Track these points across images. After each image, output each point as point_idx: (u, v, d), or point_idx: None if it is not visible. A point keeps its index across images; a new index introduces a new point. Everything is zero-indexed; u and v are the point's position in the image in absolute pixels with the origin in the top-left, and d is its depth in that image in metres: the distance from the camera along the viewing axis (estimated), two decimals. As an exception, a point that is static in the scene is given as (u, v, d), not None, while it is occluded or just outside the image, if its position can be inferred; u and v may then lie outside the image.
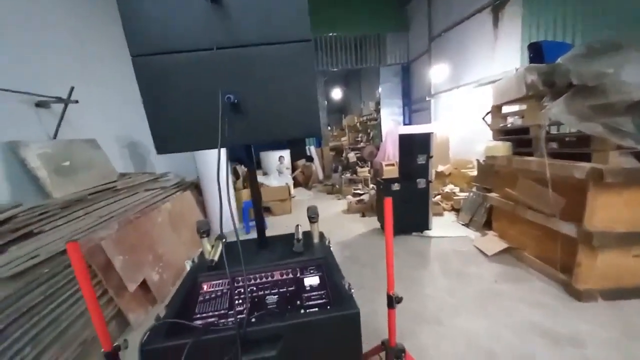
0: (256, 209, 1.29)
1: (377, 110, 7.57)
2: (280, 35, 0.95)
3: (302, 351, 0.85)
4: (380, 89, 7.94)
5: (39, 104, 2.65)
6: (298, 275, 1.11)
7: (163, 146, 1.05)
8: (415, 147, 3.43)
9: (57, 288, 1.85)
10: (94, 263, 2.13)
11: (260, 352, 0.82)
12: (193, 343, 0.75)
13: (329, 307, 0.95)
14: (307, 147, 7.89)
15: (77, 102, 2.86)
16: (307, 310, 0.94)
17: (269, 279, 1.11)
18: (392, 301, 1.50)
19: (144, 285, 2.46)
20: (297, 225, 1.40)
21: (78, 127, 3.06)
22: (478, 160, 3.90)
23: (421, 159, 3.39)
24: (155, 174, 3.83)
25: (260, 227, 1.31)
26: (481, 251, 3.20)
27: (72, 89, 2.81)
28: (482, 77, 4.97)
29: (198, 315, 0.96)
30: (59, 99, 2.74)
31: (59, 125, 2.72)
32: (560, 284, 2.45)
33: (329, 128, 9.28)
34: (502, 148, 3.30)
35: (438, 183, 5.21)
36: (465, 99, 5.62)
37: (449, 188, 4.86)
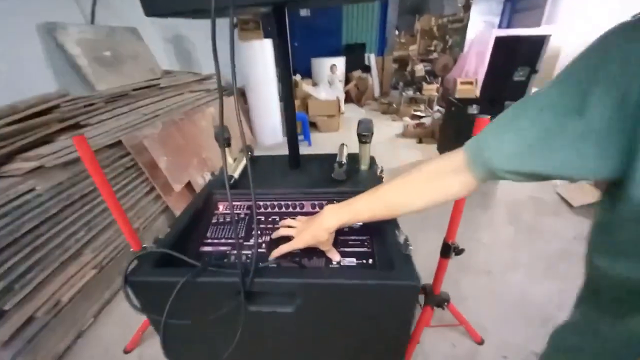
0: (288, 113, 0.95)
1: (467, 8, 5.82)
2: None
3: (329, 314, 0.62)
4: (474, -22, 5.94)
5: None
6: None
7: (151, 5, 0.70)
8: (515, 56, 2.53)
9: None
10: (140, 161, 2.15)
11: (273, 306, 0.61)
12: (185, 284, 0.55)
13: (370, 260, 0.68)
14: (366, 55, 6.78)
15: (109, -23, 2.50)
16: (342, 262, 0.68)
17: (297, 209, 0.85)
18: (449, 250, 1.20)
19: (189, 185, 2.53)
20: (342, 145, 1.05)
21: (116, 11, 2.78)
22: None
23: (520, 74, 2.52)
24: (201, 74, 3.60)
25: (293, 141, 0.99)
26: (565, 200, 2.60)
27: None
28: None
29: (209, 240, 0.77)
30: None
31: (94, 4, 2.46)
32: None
33: (397, 32, 7.68)
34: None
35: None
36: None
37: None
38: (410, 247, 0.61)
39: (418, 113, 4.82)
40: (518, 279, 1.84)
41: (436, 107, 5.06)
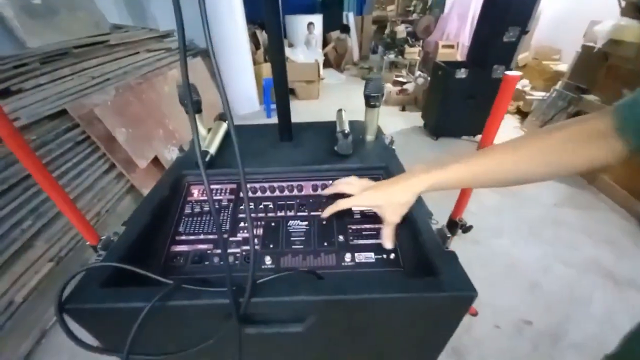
0: (277, 80, 0.75)
1: (448, -36, 5.43)
2: None
3: (350, 331, 0.49)
4: None
5: None
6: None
7: None
8: (506, 15, 2.37)
9: (52, 159, 1.61)
10: (93, 134, 1.83)
11: (276, 326, 0.47)
12: (150, 310, 0.39)
13: (393, 255, 0.55)
14: (344, 14, 6.27)
15: None
16: (357, 258, 0.55)
17: (294, 192, 0.69)
18: (456, 227, 1.12)
19: (156, 161, 2.24)
20: (340, 111, 0.88)
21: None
22: (586, 47, 2.78)
23: (511, 35, 2.38)
24: (159, 31, 3.09)
25: (285, 107, 0.80)
26: (545, 166, 2.64)
27: None
28: None
29: (183, 237, 0.60)
30: None
31: None
32: (642, 220, 1.99)
33: (375, -11, 7.14)
34: (636, 31, 2.23)
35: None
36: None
37: (520, 84, 3.83)
38: (450, 239, 0.48)
39: (400, 79, 4.62)
40: (504, 244, 1.86)
41: (418, 72, 4.87)
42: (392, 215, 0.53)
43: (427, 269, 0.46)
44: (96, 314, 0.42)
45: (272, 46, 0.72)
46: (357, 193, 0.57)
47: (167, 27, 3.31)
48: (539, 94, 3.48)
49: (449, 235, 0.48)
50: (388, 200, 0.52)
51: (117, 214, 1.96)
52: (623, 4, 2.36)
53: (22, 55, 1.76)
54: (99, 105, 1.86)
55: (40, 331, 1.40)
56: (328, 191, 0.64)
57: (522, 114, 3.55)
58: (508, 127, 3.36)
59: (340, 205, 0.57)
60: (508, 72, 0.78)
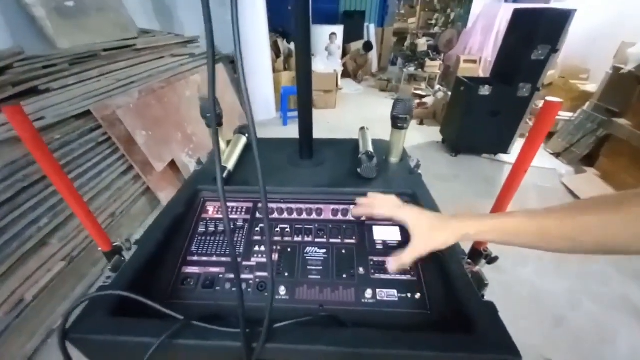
0: (302, 91, 0.72)
1: (473, -22, 5.39)
2: None
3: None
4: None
5: None
6: (363, 218, 0.64)
7: None
8: (535, 32, 2.29)
9: (73, 158, 1.64)
10: (114, 135, 1.86)
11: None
12: (160, 346, 0.36)
13: (418, 295, 0.50)
14: (365, 25, 6.29)
15: None
16: (378, 295, 0.50)
17: (313, 215, 0.65)
18: (480, 258, 1.05)
19: (173, 165, 2.26)
20: (363, 129, 0.84)
21: (78, -48, 2.31)
22: (617, 68, 2.66)
23: (540, 53, 2.30)
24: (184, 37, 3.18)
25: (307, 124, 0.77)
26: (571, 191, 2.51)
27: None
28: None
29: (195, 258, 0.57)
30: None
31: (48, -58, 2.01)
32: (686, 256, 1.84)
33: (397, 1, 7.15)
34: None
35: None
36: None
37: (545, 103, 3.69)
38: (487, 286, 0.43)
39: (419, 92, 4.56)
40: (528, 274, 1.75)
41: (437, 86, 4.80)
42: (420, 243, 0.46)
43: (460, 320, 0.40)
44: (102, 345, 0.39)
45: (300, 69, 0.69)
46: (391, 214, 0.53)
47: (193, 33, 3.39)
48: (565, 114, 3.34)
49: (487, 282, 0.43)
50: (428, 224, 0.47)
51: (131, 216, 1.98)
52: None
53: (52, 56, 1.82)
54: (122, 107, 1.89)
55: (47, 330, 1.41)
56: (359, 212, 0.59)
57: (548, 134, 3.41)
58: (531, 147, 3.23)
59: (376, 212, 0.54)
60: (549, 98, 0.72)
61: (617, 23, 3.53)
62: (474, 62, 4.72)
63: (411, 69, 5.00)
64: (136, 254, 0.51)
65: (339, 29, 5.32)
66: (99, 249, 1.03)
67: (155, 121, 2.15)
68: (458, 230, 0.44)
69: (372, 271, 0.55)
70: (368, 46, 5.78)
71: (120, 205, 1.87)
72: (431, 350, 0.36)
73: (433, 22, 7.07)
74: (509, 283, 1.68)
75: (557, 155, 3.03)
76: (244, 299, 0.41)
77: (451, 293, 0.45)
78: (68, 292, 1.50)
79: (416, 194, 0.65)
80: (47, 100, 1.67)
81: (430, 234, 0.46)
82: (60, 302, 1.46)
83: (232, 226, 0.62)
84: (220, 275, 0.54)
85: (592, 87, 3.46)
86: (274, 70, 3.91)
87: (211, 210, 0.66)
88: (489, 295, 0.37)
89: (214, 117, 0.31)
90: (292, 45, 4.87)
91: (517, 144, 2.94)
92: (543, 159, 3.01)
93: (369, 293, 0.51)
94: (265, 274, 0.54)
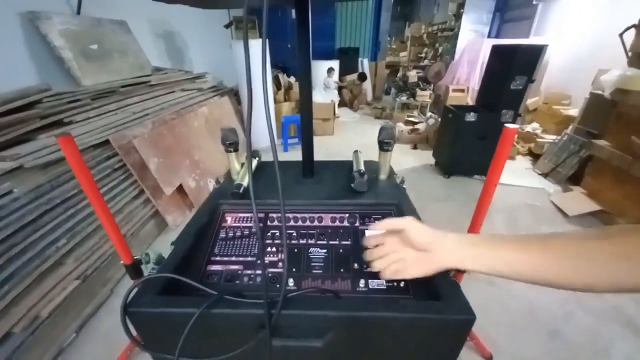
0: (304, 120, 0.88)
1: (457, 17, 5.91)
2: None
3: (363, 348, 0.55)
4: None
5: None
6: (357, 224, 0.76)
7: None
8: (514, 65, 2.55)
9: (92, 182, 1.77)
10: (129, 162, 2.01)
11: (299, 340, 0.53)
12: (198, 316, 0.47)
13: (402, 283, 0.61)
14: (359, 60, 6.77)
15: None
16: (370, 284, 0.61)
17: (315, 222, 0.77)
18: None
19: (180, 189, 2.40)
20: (356, 152, 0.99)
21: (104, 1, 2.63)
22: (595, 94, 2.90)
23: (518, 83, 2.54)
24: (193, 73, 3.47)
25: (309, 147, 0.91)
26: (560, 209, 2.63)
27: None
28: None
29: (217, 258, 0.69)
30: (76, -39, 2.26)
31: (80, -5, 2.31)
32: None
33: (389, 38, 7.75)
34: (644, 80, 2.34)
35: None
36: (596, 4, 3.99)
37: (531, 127, 3.93)
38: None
39: (412, 119, 4.83)
40: (522, 288, 1.82)
41: (429, 113, 5.09)
42: (417, 262, 0.47)
43: (432, 296, 0.52)
44: (153, 317, 0.50)
45: (303, 104, 0.85)
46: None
47: (201, 69, 3.70)
48: (550, 137, 3.56)
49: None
50: (431, 248, 0.46)
51: (140, 238, 2.08)
52: (630, 54, 2.50)
53: (77, 93, 2.02)
54: (137, 137, 2.07)
55: (58, 349, 1.45)
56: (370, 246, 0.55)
57: (534, 156, 3.60)
58: (520, 169, 3.40)
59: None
60: (507, 125, 0.88)
61: (593, 52, 3.84)
62: (462, 91, 5.05)
63: (403, 98, 5.34)
64: (174, 251, 0.63)
65: (335, 63, 5.73)
66: (121, 262, 1.15)
67: (167, 149, 2.31)
68: (442, 267, 0.45)
69: (365, 266, 0.66)
70: (362, 77, 6.19)
71: (130, 228, 1.97)
72: (408, 312, 0.47)
73: (423, 55, 7.63)
74: (503, 298, 1.74)
75: (545, 175, 3.18)
76: (266, 280, 0.53)
77: (428, 280, 0.56)
78: (80, 310, 1.56)
79: (400, 204, 0.78)
80: (72, 132, 1.84)
81: (430, 255, 0.46)
82: (73, 319, 1.52)
83: (247, 232, 0.75)
84: (239, 272, 0.65)
85: (574, 111, 3.71)
86: (275, 102, 4.19)
87: (229, 220, 0.79)
88: (485, 313, 0.44)
89: (249, 150, 0.45)
90: (292, 79, 5.24)
91: (505, 165, 3.10)
92: (532, 179, 3.16)
93: (362, 283, 0.62)
94: (276, 269, 0.65)
